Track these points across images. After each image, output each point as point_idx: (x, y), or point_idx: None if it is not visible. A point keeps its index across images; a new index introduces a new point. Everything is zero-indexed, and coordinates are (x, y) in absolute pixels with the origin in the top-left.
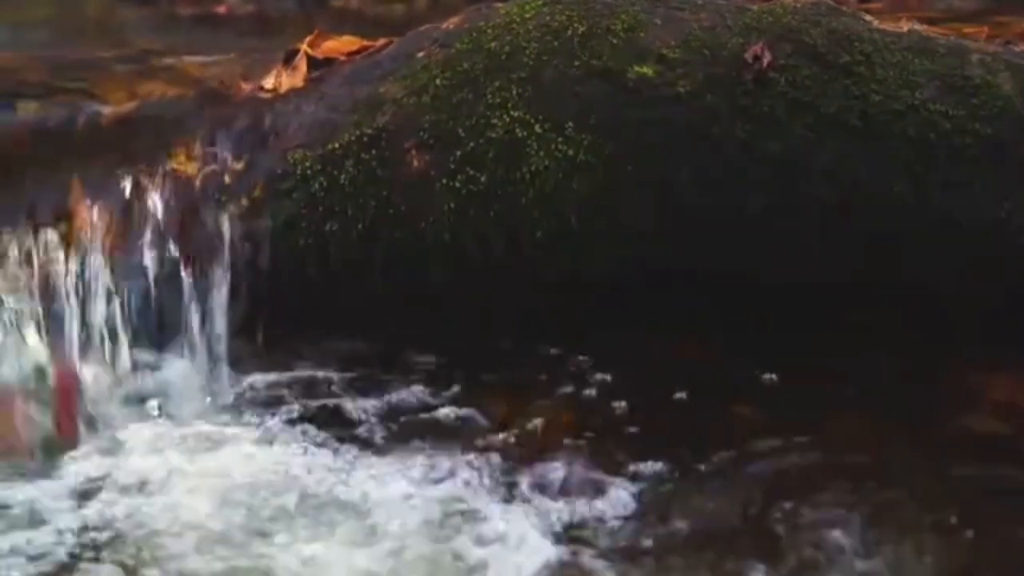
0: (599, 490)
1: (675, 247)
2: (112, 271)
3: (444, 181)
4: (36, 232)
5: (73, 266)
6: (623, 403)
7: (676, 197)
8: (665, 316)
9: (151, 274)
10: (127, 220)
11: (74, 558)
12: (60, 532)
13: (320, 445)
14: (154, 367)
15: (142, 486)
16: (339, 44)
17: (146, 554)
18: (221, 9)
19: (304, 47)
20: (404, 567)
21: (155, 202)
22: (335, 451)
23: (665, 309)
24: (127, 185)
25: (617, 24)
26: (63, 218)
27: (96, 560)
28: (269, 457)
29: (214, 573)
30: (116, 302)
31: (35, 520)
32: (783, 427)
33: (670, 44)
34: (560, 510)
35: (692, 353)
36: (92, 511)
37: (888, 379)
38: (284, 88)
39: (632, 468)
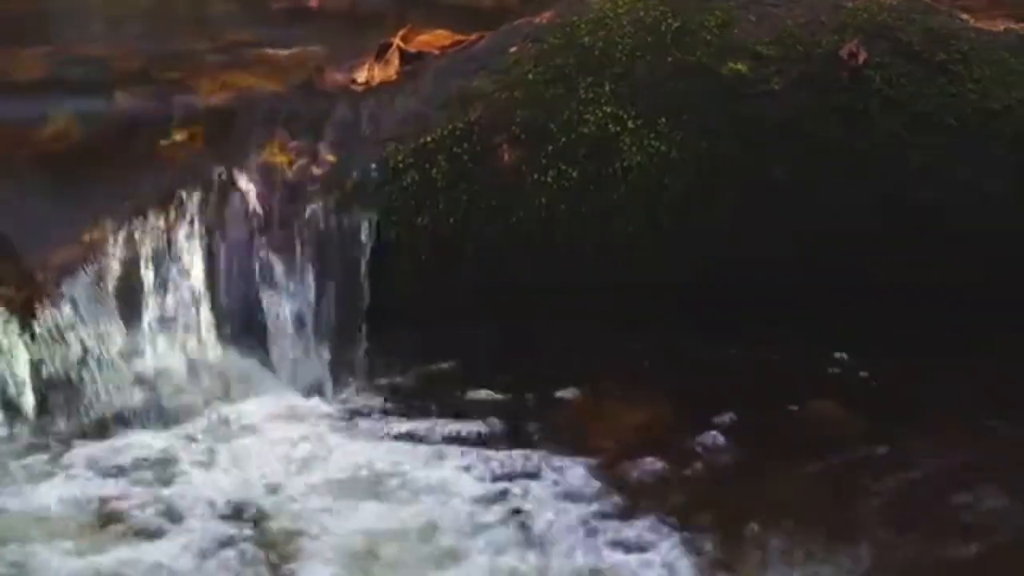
0: (683, 488)
1: (767, 245)
2: (207, 261)
3: (535, 176)
4: (134, 220)
5: (169, 255)
6: (709, 402)
7: (769, 194)
8: (750, 316)
9: (244, 265)
10: (221, 211)
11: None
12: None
13: (400, 434)
14: (244, 356)
15: (231, 469)
16: (431, 38)
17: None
18: (313, 3)
19: (397, 41)
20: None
21: (249, 193)
22: (416, 439)
23: (752, 309)
24: (221, 176)
25: (711, 20)
26: (160, 207)
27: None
28: (355, 442)
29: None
30: (210, 291)
31: None
32: (871, 427)
33: (764, 41)
34: (645, 508)
35: (777, 352)
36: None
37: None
38: (376, 82)
39: (718, 465)
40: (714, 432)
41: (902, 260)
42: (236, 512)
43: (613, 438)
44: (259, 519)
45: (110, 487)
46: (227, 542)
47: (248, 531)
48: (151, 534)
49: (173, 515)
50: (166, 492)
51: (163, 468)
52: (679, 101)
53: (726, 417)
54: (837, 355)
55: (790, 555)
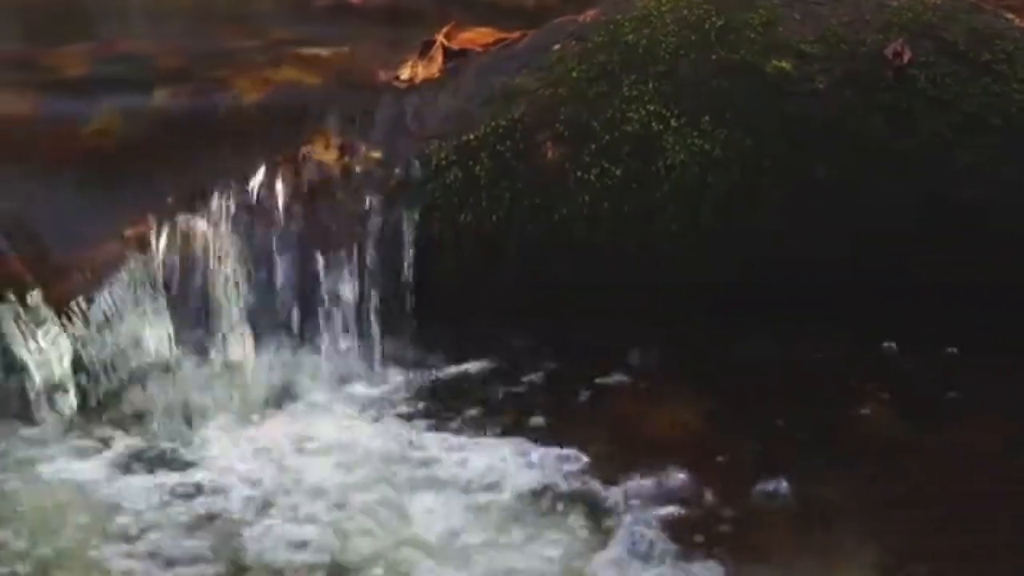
0: (724, 487)
1: (810, 245)
2: (250, 256)
3: (578, 174)
4: (177, 216)
5: (212, 251)
6: (751, 401)
7: (811, 193)
8: (792, 315)
9: (288, 261)
10: (265, 207)
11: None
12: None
13: (443, 427)
14: (290, 352)
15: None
16: (475, 36)
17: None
18: (355, 0)
19: (440, 38)
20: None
21: (292, 190)
22: (458, 433)
23: (794, 308)
24: (265, 173)
25: (755, 18)
26: (203, 203)
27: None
28: (400, 435)
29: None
30: (254, 287)
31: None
32: (916, 426)
33: (808, 39)
34: (687, 505)
35: (820, 351)
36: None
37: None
38: (420, 79)
39: (761, 463)
40: (756, 431)
41: (946, 260)
42: (279, 505)
43: (655, 436)
44: (306, 513)
45: (151, 479)
46: (272, 535)
47: (292, 525)
48: (191, 527)
49: (213, 508)
50: (207, 485)
51: (203, 461)
52: (723, 99)
53: (769, 416)
54: (881, 354)
55: (838, 554)
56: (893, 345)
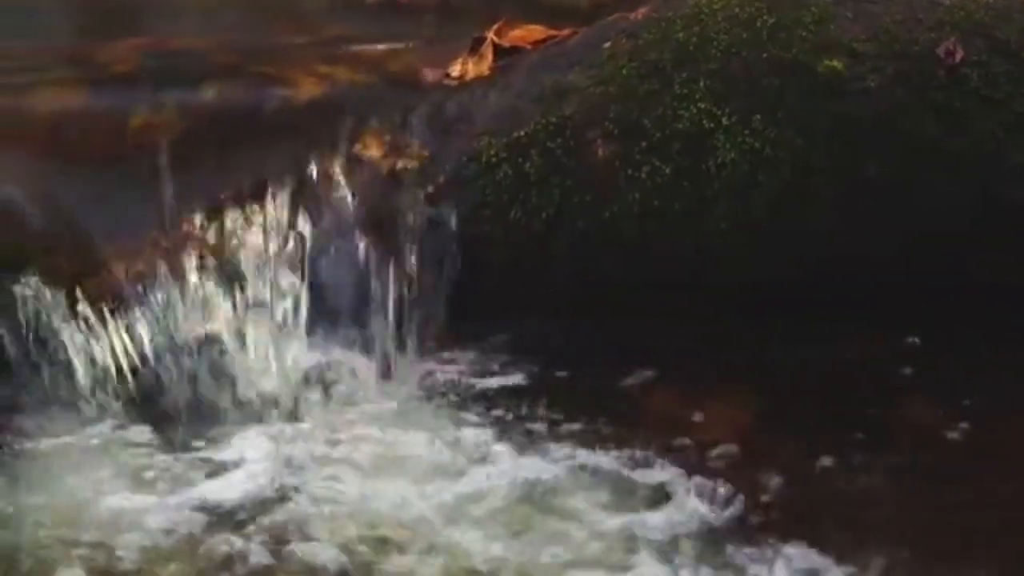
0: (769, 486)
1: (861, 244)
2: (299, 252)
3: (629, 172)
4: (227, 211)
5: (261, 246)
6: (797, 400)
7: (862, 193)
8: (839, 314)
9: (337, 257)
10: (313, 204)
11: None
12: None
13: (488, 424)
14: (335, 345)
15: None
16: (525, 33)
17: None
18: None
19: (491, 35)
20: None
21: (342, 187)
22: (504, 430)
23: (841, 307)
24: (314, 169)
25: (807, 16)
26: (253, 199)
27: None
28: (447, 432)
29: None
30: (302, 282)
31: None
32: (962, 428)
33: (860, 38)
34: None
35: (867, 353)
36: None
37: None
38: (470, 76)
39: (806, 463)
40: (802, 430)
41: (999, 260)
42: (328, 502)
43: (704, 435)
44: (355, 508)
45: (196, 474)
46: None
47: (343, 520)
48: (237, 524)
49: (260, 504)
50: (256, 479)
51: (254, 457)
52: (774, 98)
53: (814, 415)
54: (925, 354)
55: (885, 547)
56: (939, 345)
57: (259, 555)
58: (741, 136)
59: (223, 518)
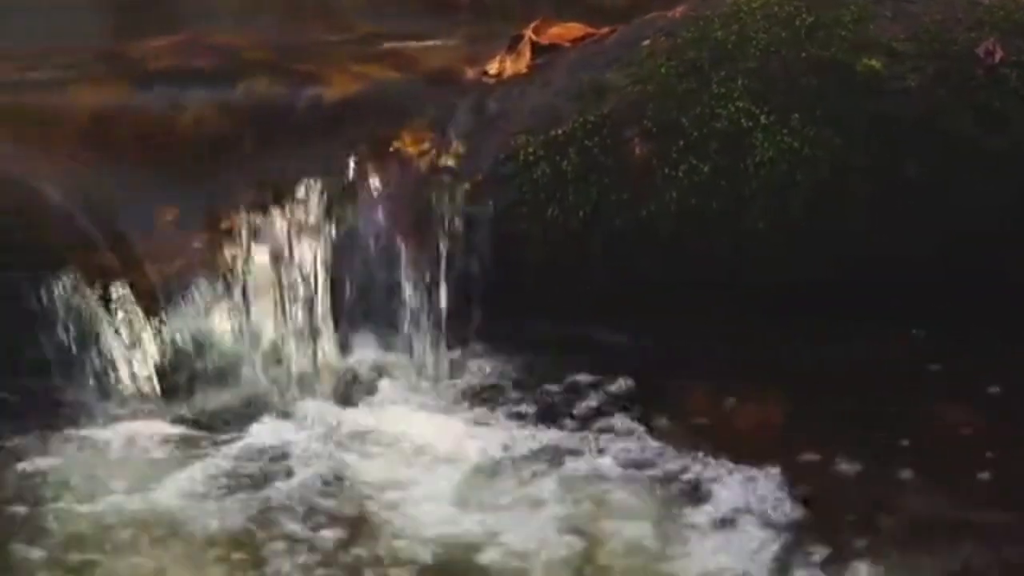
0: (792, 487)
1: (899, 244)
2: (336, 249)
3: (666, 170)
4: (265, 208)
5: (299, 243)
6: (832, 401)
7: (901, 192)
8: (875, 314)
9: (375, 254)
10: (350, 200)
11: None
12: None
13: (520, 422)
14: (370, 343)
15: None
16: (563, 31)
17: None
18: None
19: (529, 33)
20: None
21: (378, 183)
22: (535, 428)
23: (877, 308)
24: (351, 165)
25: (846, 15)
26: (292, 195)
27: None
28: (480, 430)
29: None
30: (339, 279)
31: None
32: (1000, 430)
33: (899, 37)
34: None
35: (903, 352)
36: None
37: None
38: (508, 74)
39: (841, 464)
40: (836, 431)
41: None
42: (361, 500)
43: (740, 434)
44: (387, 505)
45: (231, 471)
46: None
47: (373, 518)
48: (268, 524)
49: (284, 495)
50: (290, 475)
51: (286, 453)
52: (812, 97)
53: (848, 416)
54: (963, 356)
55: (909, 549)
56: (975, 347)
57: (311, 543)
58: (779, 135)
59: (263, 504)
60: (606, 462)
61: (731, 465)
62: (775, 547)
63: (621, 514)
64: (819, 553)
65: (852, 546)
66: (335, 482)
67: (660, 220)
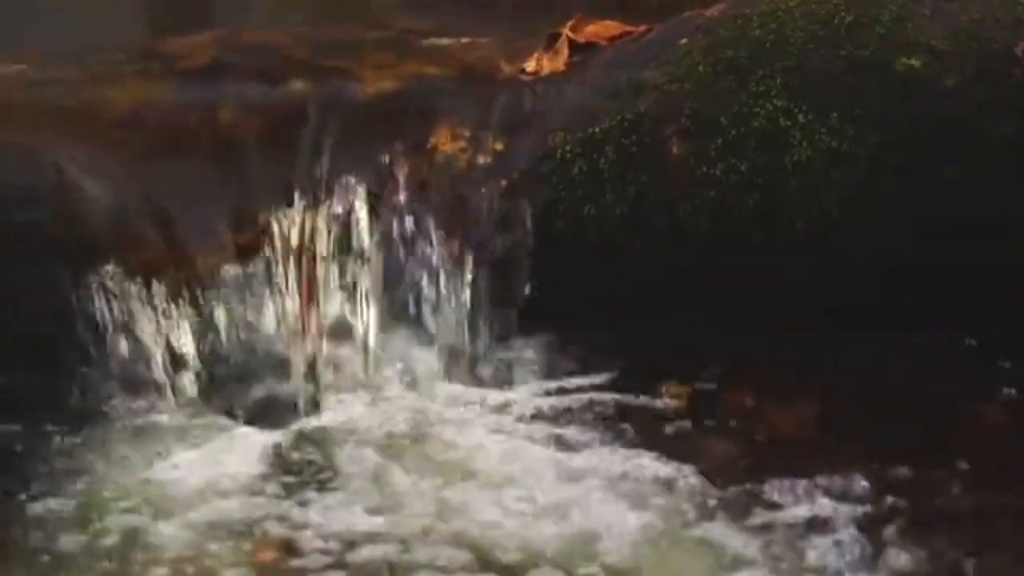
0: (842, 490)
1: (936, 244)
2: (372, 247)
3: (704, 169)
4: (301, 205)
5: (335, 240)
6: (868, 402)
7: (939, 193)
8: (912, 315)
9: (411, 252)
10: (386, 197)
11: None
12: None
13: (556, 423)
14: (405, 340)
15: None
16: (601, 29)
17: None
18: None
19: (566, 31)
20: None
21: (416, 181)
22: (568, 429)
23: (914, 308)
24: (389, 163)
25: (885, 14)
26: (328, 193)
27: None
28: (515, 432)
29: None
30: (374, 276)
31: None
32: None
33: (939, 36)
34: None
35: (939, 353)
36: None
37: None
38: (545, 71)
39: (878, 464)
40: (873, 432)
41: None
42: (393, 500)
43: (774, 434)
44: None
45: (265, 468)
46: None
47: (403, 516)
48: (299, 523)
49: (322, 493)
50: (325, 471)
51: (326, 448)
52: (851, 96)
53: (884, 418)
54: (993, 356)
55: (952, 551)
56: (1013, 349)
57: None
58: (818, 134)
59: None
60: (644, 461)
61: (772, 466)
62: (809, 545)
63: (658, 514)
64: (855, 553)
65: (890, 546)
66: (378, 476)
67: (698, 219)
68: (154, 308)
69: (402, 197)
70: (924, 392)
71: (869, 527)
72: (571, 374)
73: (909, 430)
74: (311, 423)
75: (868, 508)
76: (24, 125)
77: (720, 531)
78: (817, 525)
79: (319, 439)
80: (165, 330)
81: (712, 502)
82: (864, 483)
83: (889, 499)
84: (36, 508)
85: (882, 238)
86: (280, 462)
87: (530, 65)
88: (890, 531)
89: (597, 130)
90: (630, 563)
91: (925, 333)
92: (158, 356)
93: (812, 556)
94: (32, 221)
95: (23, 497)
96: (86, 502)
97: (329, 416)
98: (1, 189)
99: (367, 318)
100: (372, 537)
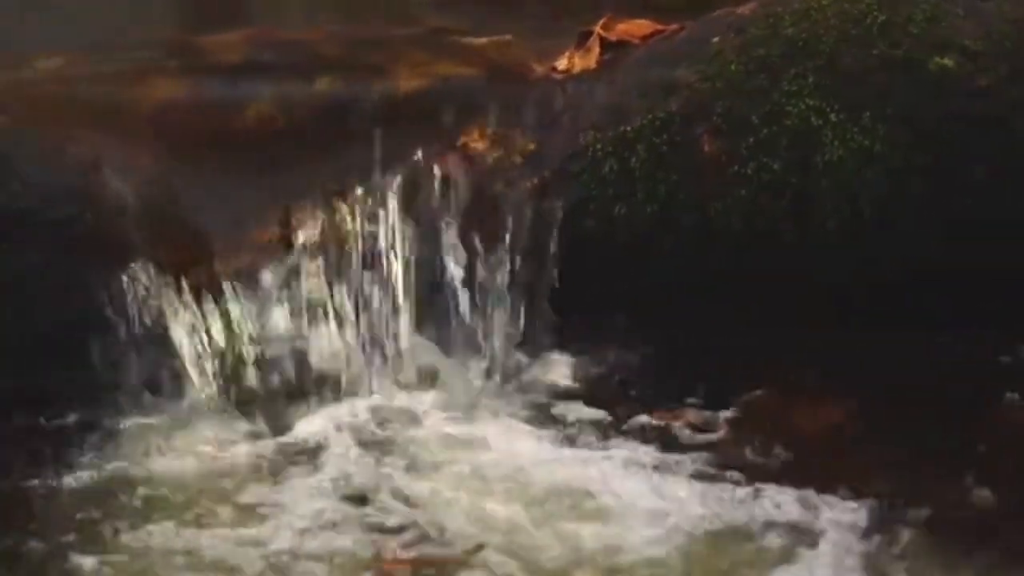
0: (876, 492)
1: (967, 244)
2: (403, 243)
3: (736, 167)
4: (333, 202)
5: (366, 237)
6: (900, 401)
7: (970, 193)
8: (944, 314)
9: (443, 249)
10: (417, 196)
11: None
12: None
13: (584, 424)
14: (434, 336)
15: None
16: (632, 27)
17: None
18: None
19: (598, 30)
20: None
21: (446, 179)
22: (599, 429)
23: (947, 307)
24: (419, 161)
25: (918, 14)
26: (359, 190)
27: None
28: (542, 429)
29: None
30: (405, 273)
31: None
32: None
33: (972, 36)
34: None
35: (973, 352)
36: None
37: None
38: (577, 70)
39: (911, 465)
40: (899, 433)
41: None
42: (418, 497)
43: (804, 435)
44: (444, 498)
45: (289, 457)
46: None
47: (429, 515)
48: (324, 518)
49: (349, 486)
50: (360, 469)
51: (358, 443)
52: (883, 95)
53: (910, 418)
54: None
55: (984, 552)
56: None
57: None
58: (850, 133)
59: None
60: (677, 461)
61: (804, 467)
62: (841, 546)
63: (689, 515)
64: (889, 555)
65: (925, 548)
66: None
67: (729, 218)
68: (184, 305)
69: (434, 195)
70: (950, 392)
71: (895, 528)
72: (600, 370)
73: (935, 430)
74: (342, 421)
75: (894, 508)
76: (57, 121)
77: (748, 528)
78: (843, 526)
79: (351, 437)
80: (190, 326)
81: (740, 501)
82: (890, 483)
83: (915, 500)
84: (67, 500)
85: (912, 238)
86: (307, 460)
87: (561, 63)
88: (915, 532)
89: (628, 129)
90: (671, 560)
91: (952, 333)
92: (188, 353)
93: (838, 556)
94: (64, 218)
95: (52, 489)
96: (114, 492)
97: (362, 414)
98: (33, 186)
99: (400, 316)
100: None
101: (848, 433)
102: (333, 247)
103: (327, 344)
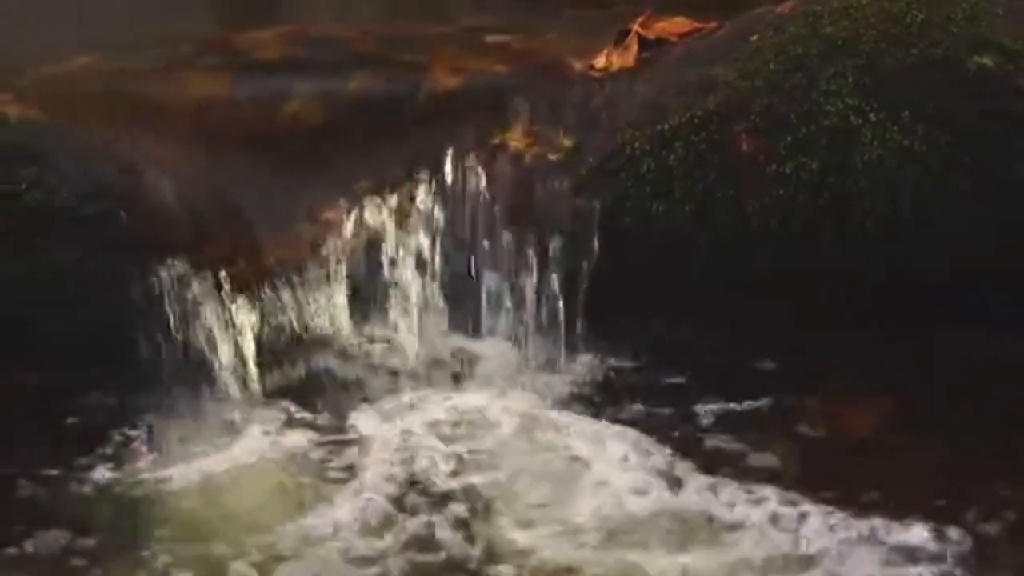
0: (916, 493)
1: (1005, 242)
2: (440, 240)
3: (774, 166)
4: (370, 199)
5: (402, 236)
6: (941, 402)
7: (1010, 191)
8: (984, 313)
9: (478, 246)
10: (457, 193)
11: None
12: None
13: (615, 421)
14: (467, 333)
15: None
16: (671, 25)
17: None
18: None
19: (636, 28)
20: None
21: (484, 177)
22: (628, 428)
23: (987, 307)
24: (457, 159)
25: (957, 13)
26: (397, 187)
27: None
28: (574, 426)
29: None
30: (441, 270)
31: None
32: None
33: (1012, 35)
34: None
35: (1010, 352)
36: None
37: None
38: (615, 68)
39: (951, 466)
40: (946, 433)
41: None
42: (461, 493)
43: (848, 435)
44: (482, 493)
45: (319, 453)
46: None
47: (465, 511)
48: (356, 520)
49: (389, 493)
50: (401, 463)
51: (371, 437)
52: (922, 94)
53: (956, 419)
54: None
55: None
56: None
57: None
58: (889, 132)
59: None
60: (715, 460)
61: (849, 465)
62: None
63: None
64: (932, 552)
65: (970, 544)
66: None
67: (767, 217)
68: (222, 301)
69: (471, 192)
70: (995, 391)
71: (943, 530)
72: (639, 370)
73: (981, 430)
74: (377, 417)
75: (942, 511)
76: (95, 118)
77: (795, 529)
78: (892, 529)
79: (385, 433)
80: (226, 323)
81: (790, 502)
82: (938, 485)
83: (964, 502)
84: (105, 496)
85: (951, 237)
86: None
87: (600, 61)
88: (965, 535)
89: (666, 127)
90: (715, 563)
91: (992, 332)
92: (225, 349)
93: (888, 558)
94: (102, 214)
95: (92, 484)
96: (153, 488)
97: (397, 409)
98: (71, 182)
99: (436, 312)
100: None
101: (887, 434)
102: (368, 244)
103: (374, 337)
